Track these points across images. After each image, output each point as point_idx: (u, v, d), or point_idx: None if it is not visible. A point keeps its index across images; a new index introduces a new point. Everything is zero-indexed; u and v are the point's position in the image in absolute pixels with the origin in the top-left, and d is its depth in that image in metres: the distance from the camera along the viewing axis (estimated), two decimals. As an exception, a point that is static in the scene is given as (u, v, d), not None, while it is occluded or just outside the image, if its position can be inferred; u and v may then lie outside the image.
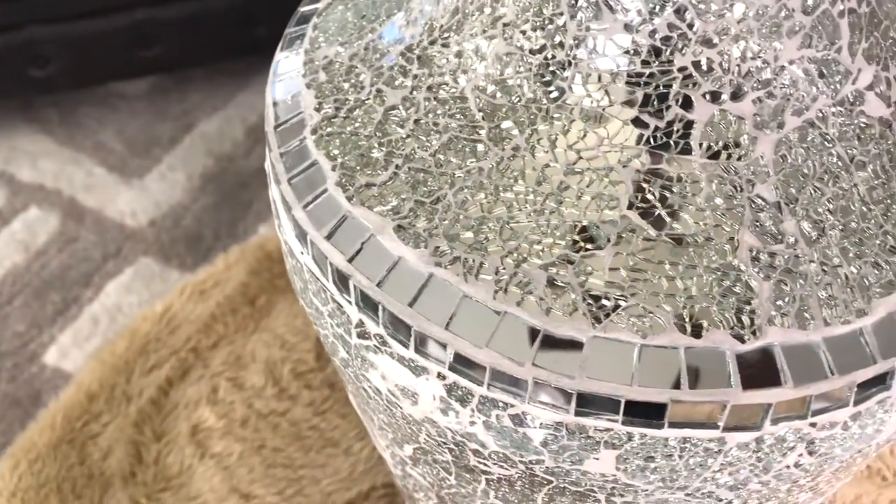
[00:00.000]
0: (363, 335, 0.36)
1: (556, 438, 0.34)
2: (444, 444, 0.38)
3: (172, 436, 1.01)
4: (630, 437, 0.33)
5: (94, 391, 1.04)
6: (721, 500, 0.37)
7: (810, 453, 0.34)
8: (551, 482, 0.37)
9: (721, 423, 0.32)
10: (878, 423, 0.34)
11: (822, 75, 0.33)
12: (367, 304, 0.35)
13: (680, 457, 0.33)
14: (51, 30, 1.17)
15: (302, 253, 0.38)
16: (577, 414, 0.33)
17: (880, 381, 0.33)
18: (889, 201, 0.34)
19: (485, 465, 0.38)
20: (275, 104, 0.39)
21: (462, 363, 0.34)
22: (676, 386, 0.32)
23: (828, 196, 0.34)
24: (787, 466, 0.35)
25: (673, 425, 0.32)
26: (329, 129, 0.38)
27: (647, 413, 0.32)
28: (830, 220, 0.33)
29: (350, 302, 0.36)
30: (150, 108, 1.27)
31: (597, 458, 0.34)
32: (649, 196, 0.33)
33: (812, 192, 0.34)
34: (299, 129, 0.38)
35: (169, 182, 1.23)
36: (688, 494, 0.36)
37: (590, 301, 0.33)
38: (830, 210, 0.33)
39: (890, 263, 0.33)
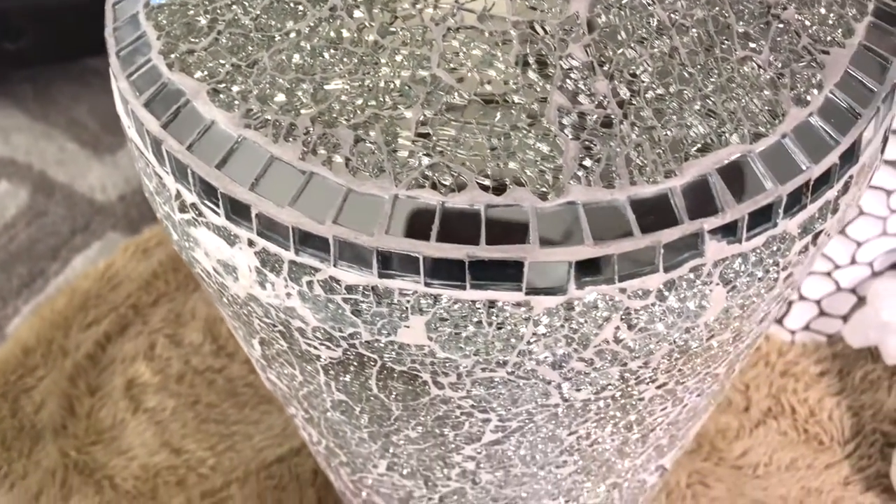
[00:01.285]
0: (182, 208, 0.36)
1: (366, 306, 0.33)
2: (275, 327, 0.37)
3: (107, 390, 1.00)
4: (436, 299, 0.32)
5: (31, 346, 1.03)
6: (550, 383, 0.36)
7: (629, 327, 0.33)
8: (376, 361, 0.36)
9: (523, 284, 0.31)
10: (698, 297, 0.33)
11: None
12: (181, 170, 0.34)
13: (489, 323, 0.33)
14: (24, 2, 1.16)
15: (129, 127, 0.37)
16: (382, 276, 0.32)
17: (691, 246, 0.32)
18: (711, 66, 0.33)
19: (314, 346, 0.37)
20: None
21: (268, 227, 0.33)
22: (476, 244, 0.31)
23: (645, 58, 0.33)
24: (607, 341, 0.34)
25: (476, 286, 0.32)
26: (161, 2, 0.37)
27: (448, 272, 0.31)
28: (646, 82, 0.32)
29: (167, 172, 0.35)
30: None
31: (408, 327, 0.33)
32: (460, 55, 0.33)
33: (628, 53, 0.33)
34: (134, 4, 0.38)
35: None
36: (510, 373, 0.35)
37: (395, 160, 0.32)
38: (648, 72, 0.33)
39: (706, 127, 0.32)
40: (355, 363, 0.37)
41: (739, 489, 0.89)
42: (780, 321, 0.96)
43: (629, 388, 0.38)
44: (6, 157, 1.40)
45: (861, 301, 0.92)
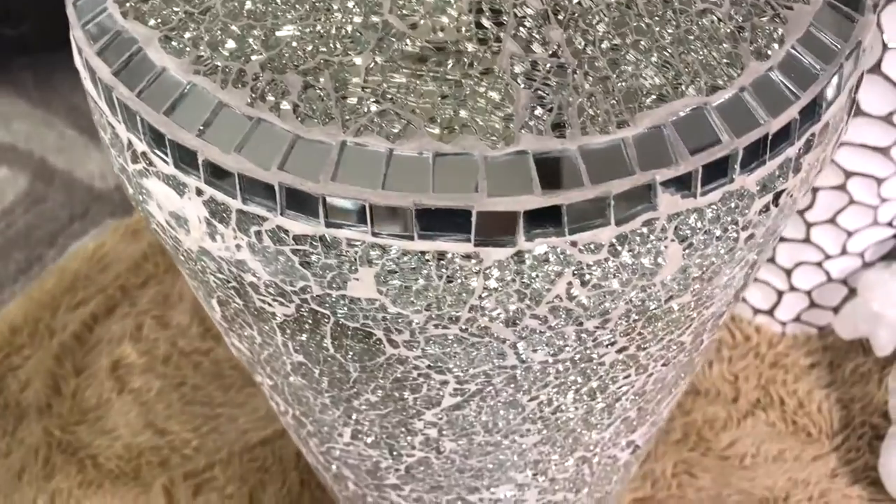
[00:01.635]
0: (134, 158, 0.35)
1: (315, 257, 0.33)
2: (229, 283, 0.37)
3: (92, 370, 1.00)
4: (384, 250, 0.32)
5: (18, 325, 1.03)
6: (504, 342, 0.35)
7: (582, 283, 0.33)
8: (329, 318, 0.35)
9: (472, 234, 0.31)
10: (653, 253, 0.33)
11: None
12: (131, 119, 0.34)
13: (439, 276, 0.32)
14: (24, -13, 1.16)
15: (85, 78, 0.37)
16: (329, 225, 0.31)
17: (644, 199, 0.31)
18: (669, 18, 0.32)
19: (267, 303, 0.36)
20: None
21: (216, 174, 0.32)
22: (424, 192, 0.30)
23: (601, 8, 0.32)
24: (560, 298, 0.33)
25: (424, 237, 0.31)
26: (119, -47, 0.36)
27: (395, 221, 0.31)
28: (602, 32, 0.32)
29: (119, 121, 0.35)
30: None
31: (357, 279, 0.33)
32: (413, 1, 0.32)
33: (584, 2, 0.32)
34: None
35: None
36: (463, 330, 0.34)
37: (344, 107, 0.31)
38: (604, 22, 0.32)
39: (661, 78, 0.32)
40: (309, 321, 0.36)
41: (726, 479, 0.88)
42: (770, 312, 0.95)
43: (588, 351, 0.37)
44: (6, 144, 1.41)
45: (852, 292, 0.91)
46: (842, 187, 0.81)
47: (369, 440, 0.46)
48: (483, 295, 0.33)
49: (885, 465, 0.83)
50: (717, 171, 0.31)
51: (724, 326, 0.46)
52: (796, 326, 0.95)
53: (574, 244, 0.31)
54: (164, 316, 1.03)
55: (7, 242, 1.23)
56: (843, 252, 0.86)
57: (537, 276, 0.32)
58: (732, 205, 0.33)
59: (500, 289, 0.32)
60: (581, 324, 0.35)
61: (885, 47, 0.71)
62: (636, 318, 0.36)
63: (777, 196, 0.34)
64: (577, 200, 0.30)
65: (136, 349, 1.01)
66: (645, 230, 0.32)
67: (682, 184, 0.31)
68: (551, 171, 0.30)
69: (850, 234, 0.85)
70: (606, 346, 0.37)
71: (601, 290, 0.33)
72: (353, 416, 0.44)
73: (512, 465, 0.47)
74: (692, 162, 0.31)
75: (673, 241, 0.32)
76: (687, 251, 0.33)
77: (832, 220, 0.84)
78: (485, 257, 0.31)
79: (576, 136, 0.30)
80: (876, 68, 0.72)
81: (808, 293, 0.91)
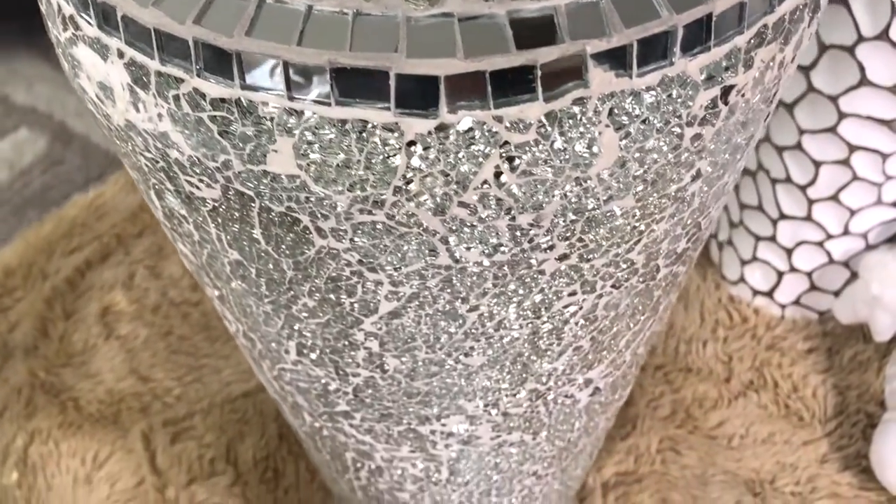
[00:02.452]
0: (64, 24, 0.34)
1: (234, 127, 0.31)
2: (157, 163, 0.35)
3: (82, 315, 0.99)
4: (301, 116, 0.30)
5: (13, 267, 1.03)
6: (435, 235, 0.34)
7: (511, 169, 0.31)
8: (255, 202, 0.34)
9: (391, 101, 0.29)
10: (586, 138, 0.31)
11: None
12: (58, -22, 0.33)
13: (360, 150, 0.31)
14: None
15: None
16: (244, 88, 0.30)
17: (574, 75, 0.29)
18: None
19: (195, 186, 0.35)
20: None
21: (135, 35, 0.31)
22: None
23: None
24: (488, 184, 0.31)
25: (341, 102, 0.30)
26: None
27: (312, 84, 0.29)
28: None
29: (51, -16, 0.34)
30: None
31: (276, 151, 0.31)
32: None
33: None
34: None
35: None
36: (390, 216, 0.33)
37: (268, -36, 0.30)
38: None
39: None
40: (237, 205, 0.35)
41: (711, 459, 0.86)
42: (770, 294, 0.93)
43: (525, 254, 0.36)
44: (27, 105, 1.41)
45: (854, 276, 0.88)
46: (845, 162, 0.79)
47: (314, 356, 0.45)
48: (407, 175, 0.31)
49: (876, 452, 0.80)
50: (655, 50, 0.30)
51: (689, 262, 0.44)
52: (796, 310, 0.93)
53: (500, 120, 0.30)
54: (157, 266, 1.03)
55: (23, 201, 1.23)
56: (846, 232, 0.84)
57: (463, 156, 0.31)
58: (674, 93, 0.31)
59: (424, 169, 0.31)
60: (514, 218, 0.33)
61: (893, 10, 0.68)
62: (573, 217, 0.34)
63: (726, 92, 0.32)
64: (501, 67, 0.29)
65: (127, 297, 1.00)
66: (577, 111, 0.30)
67: (616, 60, 0.30)
68: (477, 37, 0.29)
69: (853, 212, 0.82)
70: (545, 249, 0.36)
71: (532, 178, 0.32)
72: (296, 327, 0.43)
73: (460, 392, 0.46)
74: (626, 35, 0.29)
75: (608, 126, 0.31)
76: (624, 141, 0.31)
77: (835, 198, 0.81)
78: (406, 129, 0.30)
79: (505, 1, 0.29)
80: (883, 35, 0.70)
81: (809, 275, 0.89)
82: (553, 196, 0.33)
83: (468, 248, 0.35)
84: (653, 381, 0.90)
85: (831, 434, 0.86)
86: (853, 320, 0.90)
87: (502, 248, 0.35)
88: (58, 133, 1.35)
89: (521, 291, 0.38)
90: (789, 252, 0.88)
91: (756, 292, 0.93)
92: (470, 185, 0.31)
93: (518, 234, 0.34)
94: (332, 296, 0.39)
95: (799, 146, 0.80)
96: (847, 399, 0.88)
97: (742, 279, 0.93)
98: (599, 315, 0.42)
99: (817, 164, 0.80)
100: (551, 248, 0.35)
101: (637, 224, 0.36)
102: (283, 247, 0.37)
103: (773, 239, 0.88)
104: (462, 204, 0.32)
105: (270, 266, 0.38)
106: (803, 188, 0.82)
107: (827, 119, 0.76)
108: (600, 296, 0.40)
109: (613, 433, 0.86)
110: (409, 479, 0.56)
